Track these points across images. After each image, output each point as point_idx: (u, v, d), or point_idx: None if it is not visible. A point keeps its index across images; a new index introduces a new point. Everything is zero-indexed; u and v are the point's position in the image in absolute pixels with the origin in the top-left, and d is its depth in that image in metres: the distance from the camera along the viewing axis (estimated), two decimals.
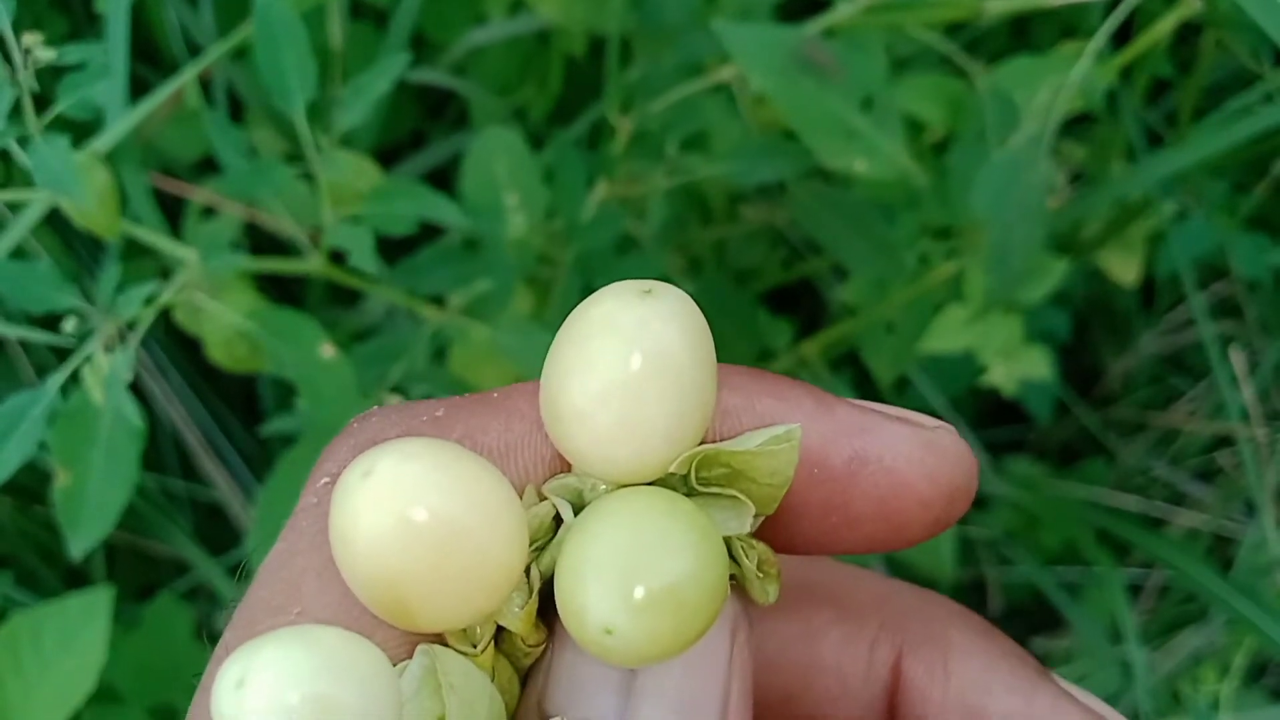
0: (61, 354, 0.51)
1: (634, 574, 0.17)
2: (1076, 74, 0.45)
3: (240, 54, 0.65)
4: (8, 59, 0.32)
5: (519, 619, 0.19)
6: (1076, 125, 0.68)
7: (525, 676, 0.20)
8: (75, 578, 0.75)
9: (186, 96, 0.57)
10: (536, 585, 0.19)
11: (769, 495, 0.20)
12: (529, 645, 0.20)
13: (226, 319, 0.38)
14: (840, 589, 0.25)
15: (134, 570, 0.76)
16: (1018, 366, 0.59)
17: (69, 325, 0.35)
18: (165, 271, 0.54)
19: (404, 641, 0.19)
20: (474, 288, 0.44)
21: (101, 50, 0.32)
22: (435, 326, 0.47)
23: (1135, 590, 0.88)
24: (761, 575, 0.21)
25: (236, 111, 0.71)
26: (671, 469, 0.19)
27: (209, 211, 0.66)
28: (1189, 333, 0.89)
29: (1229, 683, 0.73)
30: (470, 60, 0.68)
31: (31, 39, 0.32)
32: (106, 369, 0.34)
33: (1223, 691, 0.72)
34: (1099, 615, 0.86)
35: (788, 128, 0.47)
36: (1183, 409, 0.91)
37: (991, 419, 0.91)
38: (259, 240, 0.67)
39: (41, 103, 0.35)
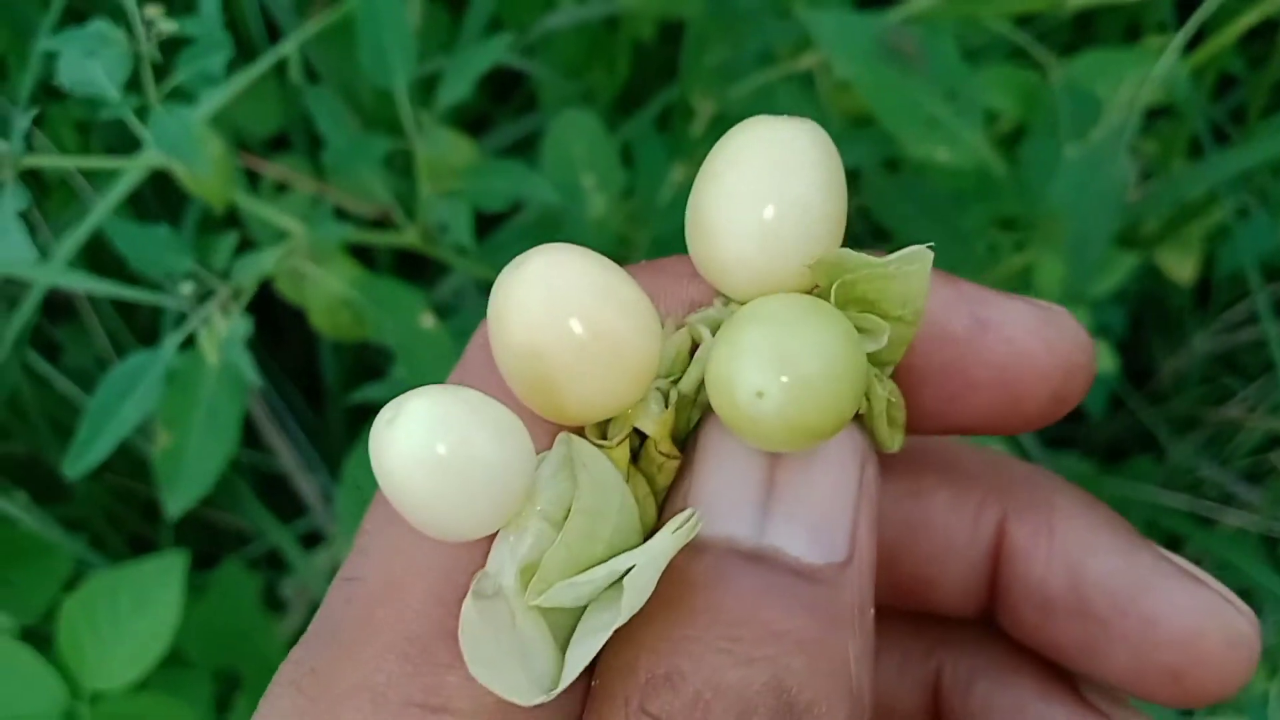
0: (139, 323, 0.52)
1: (784, 348, 0.18)
2: (1161, 69, 0.45)
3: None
4: (130, 30, 0.33)
5: (656, 422, 0.20)
6: (1148, 118, 0.68)
7: (662, 505, 0.21)
8: (140, 544, 0.77)
9: (275, 76, 0.58)
10: (674, 399, 0.20)
11: (900, 334, 0.20)
12: (664, 455, 0.20)
13: (331, 287, 0.39)
14: (949, 454, 0.25)
15: (197, 539, 0.78)
16: None
17: (186, 289, 0.36)
18: (247, 241, 0.55)
19: (548, 434, 0.20)
20: None
21: (217, 24, 0.33)
22: None
23: None
24: (889, 419, 0.21)
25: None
26: (814, 283, 0.20)
27: (281, 187, 0.67)
28: (1243, 332, 0.89)
29: (1278, 681, 0.72)
30: (539, 44, 0.69)
31: (154, 11, 0.33)
32: (224, 331, 0.36)
33: (1273, 690, 0.72)
34: None
35: (865, 115, 0.48)
36: (1235, 408, 0.91)
37: None
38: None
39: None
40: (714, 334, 0.20)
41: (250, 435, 0.78)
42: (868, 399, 0.21)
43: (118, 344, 0.70)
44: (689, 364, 0.20)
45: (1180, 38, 0.46)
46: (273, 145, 0.73)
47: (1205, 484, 0.91)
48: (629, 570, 0.18)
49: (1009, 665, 0.26)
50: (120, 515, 0.75)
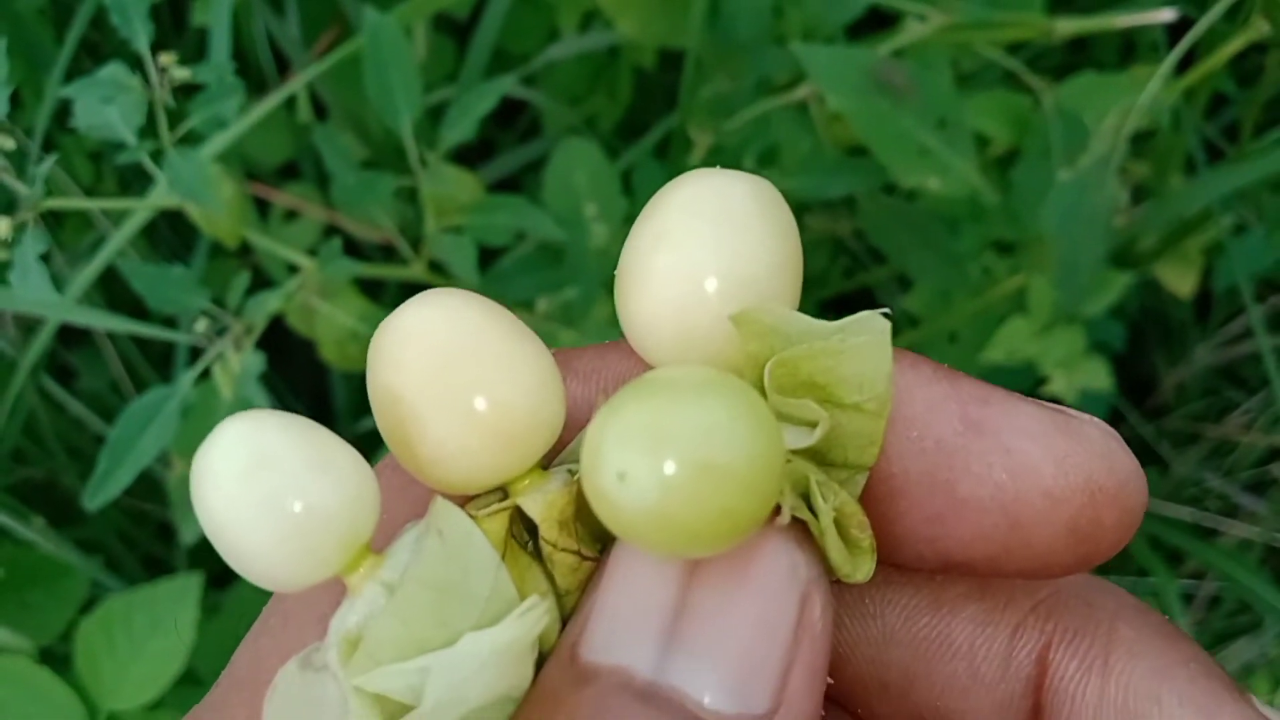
0: (152, 351, 0.53)
1: (662, 423, 0.15)
2: (1146, 97, 0.46)
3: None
4: (144, 77, 0.35)
5: (541, 502, 0.17)
6: (1137, 140, 0.69)
7: (565, 618, 0.18)
8: (155, 566, 0.78)
9: (284, 105, 0.59)
10: (573, 486, 0.17)
11: (862, 430, 0.17)
12: (553, 546, 0.17)
13: (340, 321, 0.40)
14: None
15: (212, 560, 0.79)
16: (1077, 377, 0.60)
17: (201, 325, 0.37)
18: (258, 272, 0.57)
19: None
20: (560, 294, 0.47)
21: (229, 70, 0.35)
22: None
23: (1186, 600, 0.88)
24: (848, 540, 0.17)
25: (317, 117, 0.74)
26: (745, 355, 0.17)
27: (291, 214, 0.68)
28: (1243, 345, 0.89)
29: None
30: (542, 72, 0.70)
31: (168, 59, 0.34)
32: (238, 366, 0.37)
33: (1275, 701, 0.73)
34: None
35: (859, 144, 0.49)
36: (1236, 421, 0.91)
37: None
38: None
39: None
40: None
41: None
42: (812, 512, 0.17)
43: (132, 369, 0.71)
44: None
45: (1165, 67, 0.47)
46: (283, 174, 0.75)
47: (1208, 496, 0.92)
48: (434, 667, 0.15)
49: None
50: (136, 538, 0.76)
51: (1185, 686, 0.18)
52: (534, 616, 0.16)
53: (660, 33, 0.56)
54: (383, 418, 0.17)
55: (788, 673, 0.16)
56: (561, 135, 0.64)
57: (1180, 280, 0.79)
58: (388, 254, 0.56)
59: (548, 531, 0.17)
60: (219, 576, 0.81)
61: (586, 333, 0.46)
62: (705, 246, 0.17)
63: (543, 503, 0.17)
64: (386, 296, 0.73)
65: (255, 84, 0.68)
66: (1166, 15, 0.49)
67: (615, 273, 0.18)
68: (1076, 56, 0.77)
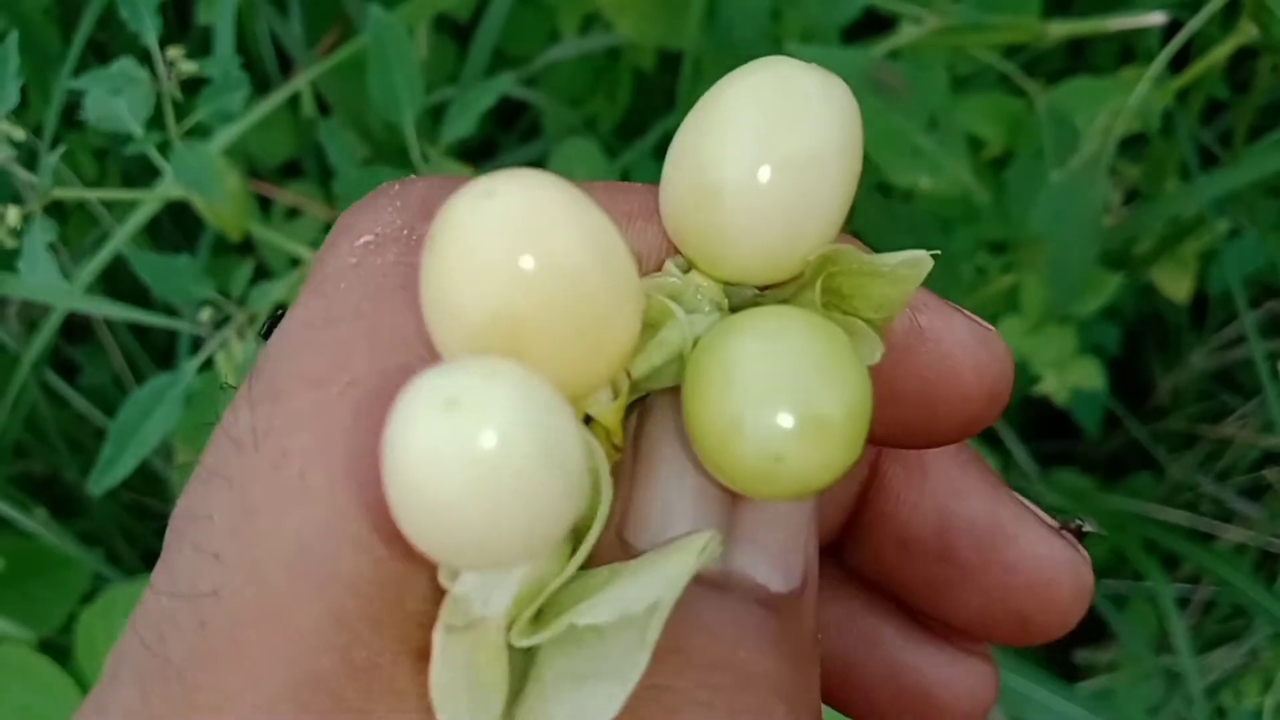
0: (153, 345, 0.54)
1: (810, 397, 0.15)
2: (1135, 99, 0.47)
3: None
4: (153, 70, 0.36)
5: (610, 411, 0.17)
6: (1132, 144, 0.70)
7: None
8: (155, 557, 0.79)
9: (287, 104, 0.60)
10: (626, 384, 0.17)
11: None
12: (612, 448, 0.17)
13: None
14: None
15: None
16: (1069, 377, 0.60)
17: (205, 315, 0.38)
18: (261, 266, 0.57)
19: None
20: None
21: (235, 63, 0.36)
22: None
23: (1182, 604, 0.89)
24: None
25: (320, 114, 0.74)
26: (800, 274, 0.17)
27: (292, 213, 0.69)
28: (1239, 349, 0.90)
29: (1272, 695, 0.73)
30: (543, 73, 0.71)
31: (175, 53, 0.35)
32: (240, 354, 0.38)
33: (1265, 704, 0.73)
34: (1144, 628, 0.86)
35: None
36: (1232, 425, 0.92)
37: (1041, 431, 0.93)
38: None
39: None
40: (688, 328, 0.17)
41: None
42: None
43: (133, 364, 0.72)
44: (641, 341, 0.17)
45: (1153, 69, 0.48)
46: (285, 171, 0.76)
47: (1204, 500, 0.92)
48: (654, 607, 0.14)
49: (845, 584, 0.25)
50: (136, 530, 0.77)
51: (978, 482, 0.23)
52: (710, 552, 0.16)
53: (658, 34, 0.56)
54: (476, 340, 0.14)
55: (808, 550, 0.18)
56: (562, 136, 0.65)
57: (1176, 285, 0.80)
58: None
59: (616, 437, 0.17)
60: None
61: None
62: (768, 132, 0.16)
63: (611, 410, 0.17)
64: None
65: (259, 83, 0.68)
66: (1156, 18, 0.50)
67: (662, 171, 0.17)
68: (1076, 61, 0.78)
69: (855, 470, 0.23)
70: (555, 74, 0.72)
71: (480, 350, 0.14)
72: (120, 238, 0.47)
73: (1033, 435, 0.91)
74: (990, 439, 0.77)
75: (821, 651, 0.18)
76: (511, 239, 0.14)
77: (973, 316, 0.20)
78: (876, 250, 0.18)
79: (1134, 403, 0.96)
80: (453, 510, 0.13)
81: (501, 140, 0.82)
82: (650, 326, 0.17)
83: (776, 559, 0.18)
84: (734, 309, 0.18)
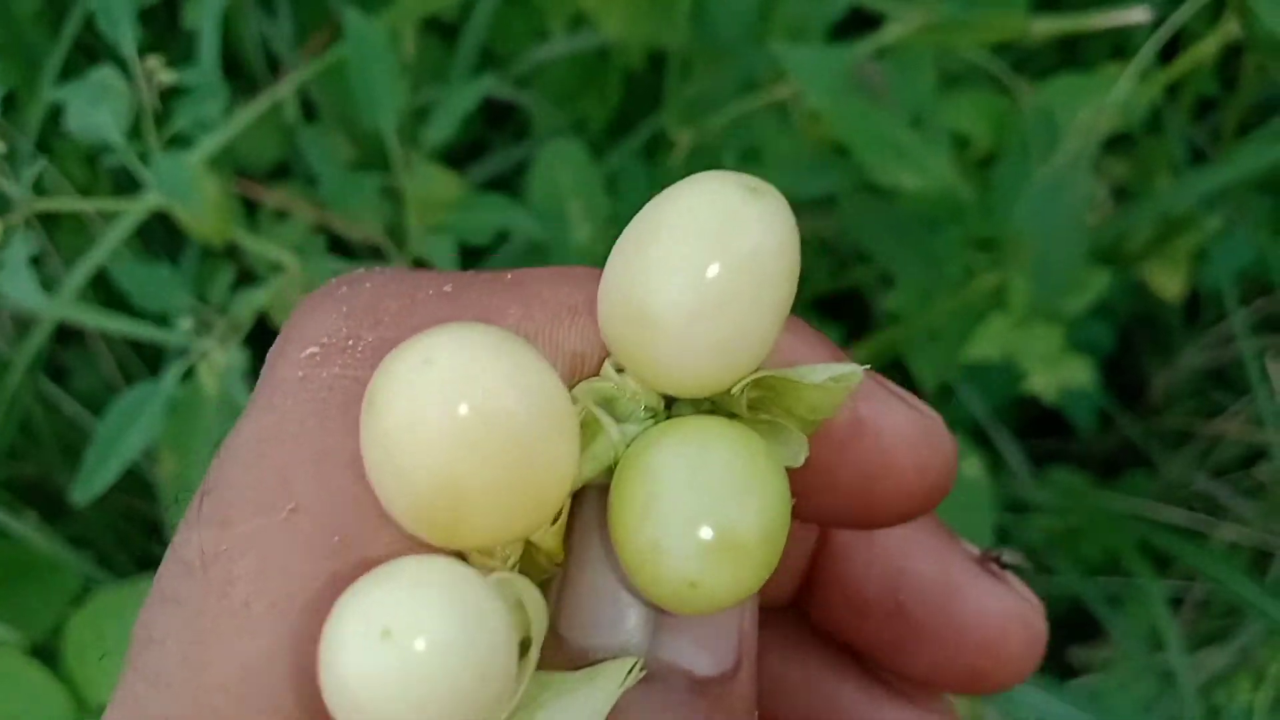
0: (144, 350, 0.54)
1: (726, 519, 0.16)
2: (1117, 95, 0.46)
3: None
4: (131, 80, 0.35)
5: (552, 534, 0.17)
6: (1121, 141, 0.70)
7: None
8: (146, 561, 0.79)
9: (275, 106, 0.60)
10: (565, 506, 0.17)
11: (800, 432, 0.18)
12: (553, 564, 0.18)
13: None
14: None
15: None
16: (1059, 374, 0.60)
17: (186, 323, 0.38)
18: (245, 271, 0.57)
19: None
20: None
21: (214, 73, 0.36)
22: None
23: (1176, 603, 0.89)
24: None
25: (307, 116, 0.74)
26: (730, 389, 0.17)
27: (281, 214, 0.69)
28: (1233, 347, 0.90)
29: (1264, 692, 0.73)
30: (532, 73, 0.71)
31: (154, 63, 0.35)
32: (222, 363, 0.38)
33: (1257, 701, 0.73)
34: (1138, 626, 0.86)
35: (840, 143, 0.49)
36: (1225, 423, 0.92)
37: (1035, 429, 0.93)
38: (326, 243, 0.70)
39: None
40: (620, 443, 0.17)
41: None
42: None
43: (125, 368, 0.72)
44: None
45: (1135, 65, 0.47)
46: (275, 173, 0.76)
47: (1199, 498, 0.92)
48: None
49: (805, 644, 0.25)
50: (126, 534, 0.77)
51: (928, 540, 0.23)
52: (634, 677, 0.17)
53: (644, 33, 0.56)
54: (419, 497, 0.15)
55: (743, 629, 0.18)
56: (551, 136, 0.65)
57: (1168, 282, 0.80)
58: (376, 253, 0.57)
59: (556, 553, 0.18)
60: None
61: None
62: (708, 244, 0.16)
63: (553, 534, 0.17)
64: None
65: (247, 84, 0.68)
66: (1140, 15, 0.50)
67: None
68: (1066, 60, 0.77)
69: (805, 533, 0.23)
70: (545, 74, 0.72)
71: (425, 510, 0.15)
72: (104, 248, 0.47)
73: (1027, 434, 0.91)
74: (981, 438, 0.77)
75: (776, 717, 0.19)
76: (451, 408, 0.14)
77: (916, 403, 0.20)
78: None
79: (1128, 401, 0.96)
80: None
81: (490, 141, 0.82)
82: (586, 429, 0.17)
83: (704, 643, 0.18)
84: (668, 408, 0.18)
